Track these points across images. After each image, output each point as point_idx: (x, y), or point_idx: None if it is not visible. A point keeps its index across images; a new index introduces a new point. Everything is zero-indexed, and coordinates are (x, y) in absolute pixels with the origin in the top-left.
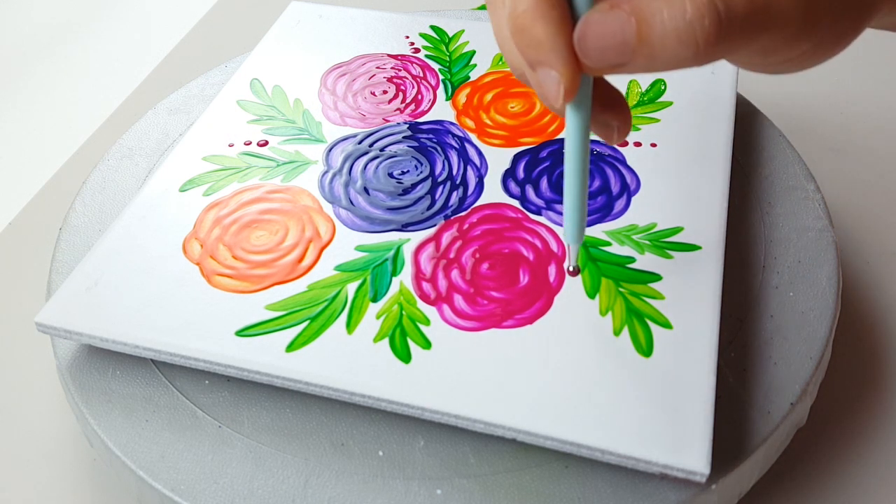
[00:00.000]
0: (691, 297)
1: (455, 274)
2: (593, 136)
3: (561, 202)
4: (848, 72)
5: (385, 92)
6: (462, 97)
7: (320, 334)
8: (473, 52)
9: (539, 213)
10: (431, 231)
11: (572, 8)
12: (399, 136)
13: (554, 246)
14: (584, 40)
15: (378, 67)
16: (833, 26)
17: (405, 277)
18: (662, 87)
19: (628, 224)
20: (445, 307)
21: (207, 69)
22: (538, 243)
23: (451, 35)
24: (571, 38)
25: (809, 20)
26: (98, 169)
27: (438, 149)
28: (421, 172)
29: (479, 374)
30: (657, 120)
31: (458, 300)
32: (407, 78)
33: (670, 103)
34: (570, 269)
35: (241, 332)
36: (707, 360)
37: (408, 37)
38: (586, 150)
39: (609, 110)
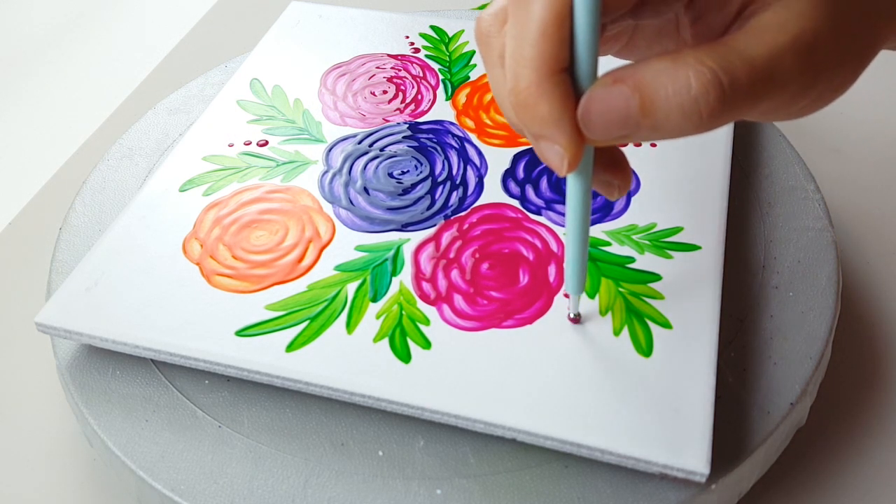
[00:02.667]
0: (691, 297)
1: (455, 274)
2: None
3: (561, 202)
4: None
5: (385, 92)
6: (462, 97)
7: (320, 334)
8: (473, 52)
9: (539, 213)
10: (431, 231)
11: (575, 82)
12: (399, 136)
13: (554, 246)
14: (588, 115)
15: (378, 67)
16: (832, 79)
17: (405, 277)
18: None
19: (628, 224)
20: (445, 307)
21: (207, 69)
22: (538, 243)
23: (450, 35)
24: (575, 114)
25: (809, 78)
26: (98, 169)
27: (438, 149)
28: (421, 172)
29: (479, 374)
30: None
31: (458, 300)
32: (407, 78)
33: None
34: (572, 316)
35: (240, 332)
36: (707, 360)
37: (408, 37)
38: (588, 212)
39: (610, 170)
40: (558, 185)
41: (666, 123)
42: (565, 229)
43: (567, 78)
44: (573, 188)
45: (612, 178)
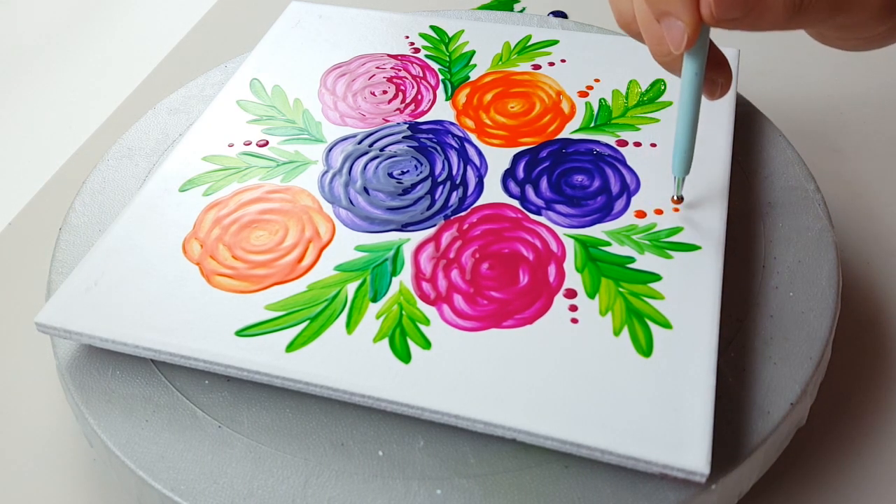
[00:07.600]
0: (691, 297)
1: (455, 274)
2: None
3: (560, 202)
4: (848, 72)
5: (385, 92)
6: (462, 97)
7: (320, 334)
8: (473, 52)
9: (539, 213)
10: (431, 231)
11: None
12: (399, 136)
13: (553, 246)
14: None
15: (378, 67)
16: None
17: (405, 277)
18: (662, 87)
19: (628, 224)
20: (445, 307)
21: (207, 69)
22: (538, 243)
23: (450, 35)
24: None
25: (887, 8)
26: (98, 169)
27: (438, 149)
28: (421, 172)
29: (479, 374)
30: (657, 120)
31: (458, 300)
32: (407, 78)
33: (670, 103)
34: (675, 197)
35: (240, 332)
36: (707, 360)
37: (407, 37)
38: (699, 95)
39: (715, 69)
40: (558, 185)
41: (771, 12)
42: (677, 111)
43: None
44: (688, 68)
45: (716, 76)
